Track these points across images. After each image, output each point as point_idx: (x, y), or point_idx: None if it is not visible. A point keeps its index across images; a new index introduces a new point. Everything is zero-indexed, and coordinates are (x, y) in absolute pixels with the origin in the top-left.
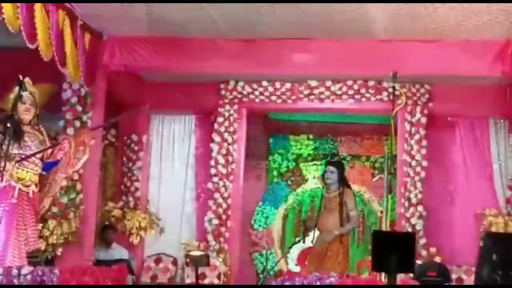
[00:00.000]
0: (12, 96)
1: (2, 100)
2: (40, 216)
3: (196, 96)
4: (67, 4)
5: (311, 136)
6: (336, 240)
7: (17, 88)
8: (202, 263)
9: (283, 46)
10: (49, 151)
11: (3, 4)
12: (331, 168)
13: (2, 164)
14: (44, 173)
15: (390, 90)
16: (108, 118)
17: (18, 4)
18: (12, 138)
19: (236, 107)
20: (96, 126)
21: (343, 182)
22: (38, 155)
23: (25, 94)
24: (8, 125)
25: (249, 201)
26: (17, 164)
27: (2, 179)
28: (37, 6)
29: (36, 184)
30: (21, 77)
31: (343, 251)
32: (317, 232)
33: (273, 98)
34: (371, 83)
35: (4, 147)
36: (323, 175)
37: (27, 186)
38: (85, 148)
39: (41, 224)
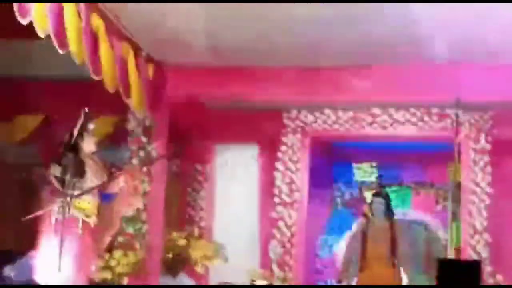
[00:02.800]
0: (77, 129)
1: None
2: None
3: (259, 125)
4: (130, 36)
5: (374, 164)
6: (389, 266)
7: (81, 121)
8: None
9: (344, 73)
10: (105, 183)
11: (69, 38)
12: (379, 199)
13: (67, 198)
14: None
15: (454, 117)
16: (172, 148)
17: (83, 37)
18: (76, 172)
19: (299, 135)
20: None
21: (390, 212)
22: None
23: (91, 126)
24: (71, 157)
25: (313, 230)
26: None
27: (68, 211)
28: (102, 39)
29: (95, 215)
30: (86, 109)
31: (398, 278)
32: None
33: (336, 126)
34: (434, 110)
35: (66, 179)
36: (370, 205)
37: (88, 216)
38: (137, 186)
39: (108, 254)
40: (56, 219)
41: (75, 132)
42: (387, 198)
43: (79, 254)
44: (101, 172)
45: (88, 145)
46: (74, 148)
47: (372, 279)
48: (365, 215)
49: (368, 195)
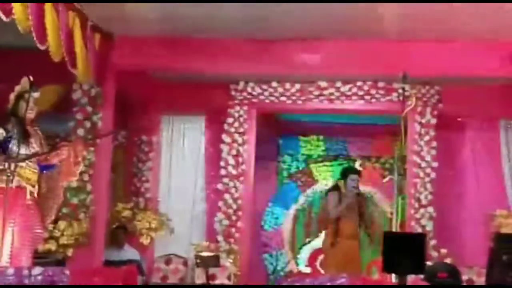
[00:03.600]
0: (14, 95)
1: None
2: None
3: (206, 96)
4: (77, 5)
5: (321, 137)
6: (356, 241)
7: (18, 87)
8: (212, 264)
9: (293, 46)
10: (47, 153)
11: (13, 5)
12: (355, 176)
13: (12, 166)
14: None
15: (400, 91)
16: (118, 119)
17: (28, 4)
18: (21, 138)
19: (246, 107)
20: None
21: (359, 188)
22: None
23: (35, 94)
24: (15, 123)
25: (259, 202)
26: (23, 165)
27: (12, 181)
28: (47, 7)
29: (38, 185)
30: (31, 77)
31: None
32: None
33: (283, 99)
34: (381, 84)
35: (12, 147)
36: (342, 181)
37: (33, 186)
38: (80, 158)
39: (52, 225)
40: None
41: (12, 98)
42: (359, 174)
43: (24, 224)
44: (41, 141)
45: (29, 113)
46: (15, 114)
47: (343, 255)
48: (337, 190)
49: (314, 167)
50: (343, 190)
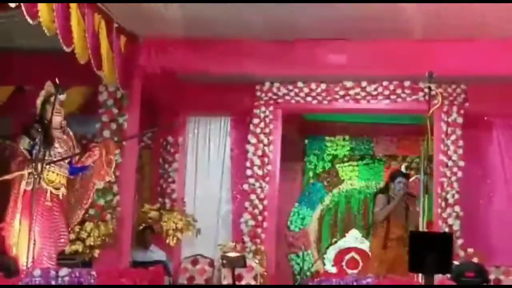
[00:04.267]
0: (40, 99)
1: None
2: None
3: (232, 97)
4: (102, 7)
5: (347, 137)
6: (403, 242)
7: (43, 92)
8: (238, 264)
9: (318, 47)
10: (78, 155)
11: (39, 8)
12: (404, 180)
13: (39, 169)
14: (70, 176)
15: (426, 90)
16: (143, 121)
17: (54, 7)
18: (43, 144)
19: (271, 108)
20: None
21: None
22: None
23: (61, 97)
24: (39, 129)
25: (285, 202)
26: (47, 167)
27: (38, 183)
28: (73, 10)
29: (65, 187)
30: (56, 80)
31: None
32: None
33: (309, 99)
34: (406, 83)
35: (34, 152)
36: (393, 184)
37: (57, 189)
38: (112, 157)
39: (79, 226)
40: (25, 190)
41: (39, 103)
42: (407, 178)
43: (46, 226)
44: (70, 143)
45: (56, 116)
46: (41, 119)
47: (393, 257)
48: (385, 193)
49: (340, 167)
50: (391, 193)
